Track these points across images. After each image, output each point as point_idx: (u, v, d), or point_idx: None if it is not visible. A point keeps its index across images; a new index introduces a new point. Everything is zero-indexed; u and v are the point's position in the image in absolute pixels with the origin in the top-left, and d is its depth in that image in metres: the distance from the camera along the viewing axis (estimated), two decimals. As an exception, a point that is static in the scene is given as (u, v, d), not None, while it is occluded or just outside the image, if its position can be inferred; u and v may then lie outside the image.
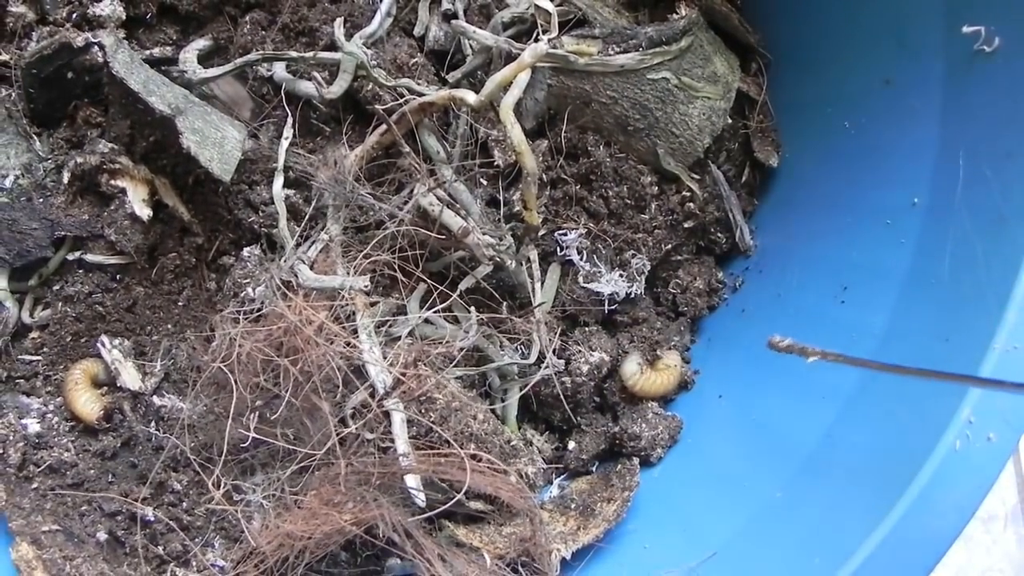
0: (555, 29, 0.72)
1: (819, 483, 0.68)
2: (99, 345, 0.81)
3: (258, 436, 0.69)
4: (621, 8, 0.83)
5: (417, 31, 0.81)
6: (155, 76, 0.76)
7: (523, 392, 0.76)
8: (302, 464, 0.70)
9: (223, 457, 0.73)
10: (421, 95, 0.76)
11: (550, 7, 0.73)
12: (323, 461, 0.70)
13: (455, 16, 0.80)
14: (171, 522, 0.76)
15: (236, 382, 0.67)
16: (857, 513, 0.63)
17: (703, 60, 0.79)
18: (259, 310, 0.75)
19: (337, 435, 0.70)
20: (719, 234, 0.85)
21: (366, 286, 0.69)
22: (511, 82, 0.72)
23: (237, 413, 0.73)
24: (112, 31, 0.77)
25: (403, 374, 0.72)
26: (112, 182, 0.79)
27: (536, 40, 0.76)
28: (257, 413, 0.71)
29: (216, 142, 0.75)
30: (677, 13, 0.80)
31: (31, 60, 0.79)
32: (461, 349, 0.76)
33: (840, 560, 0.61)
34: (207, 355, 0.74)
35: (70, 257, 0.82)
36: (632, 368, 0.80)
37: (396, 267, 0.74)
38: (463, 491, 0.66)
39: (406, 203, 0.75)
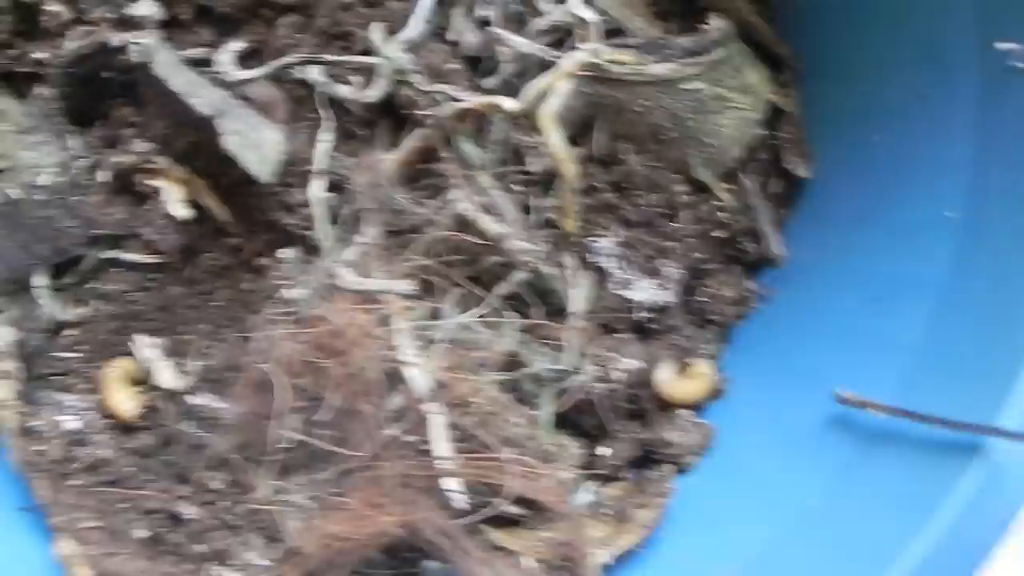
0: (595, 38, 0.73)
1: (858, 491, 0.69)
2: (134, 344, 0.82)
3: (302, 437, 0.70)
4: (652, 19, 0.84)
5: (450, 36, 0.82)
6: (195, 77, 0.77)
7: (562, 400, 0.77)
8: (345, 466, 0.71)
9: (263, 457, 0.74)
10: (458, 101, 0.77)
11: (590, 16, 0.73)
12: (366, 463, 0.71)
13: (489, 23, 0.81)
14: (211, 520, 0.77)
15: (283, 383, 0.68)
16: (899, 519, 0.64)
17: (735, 71, 0.80)
18: (298, 312, 0.76)
19: (381, 438, 0.71)
20: (748, 244, 0.86)
21: (411, 290, 0.70)
22: (550, 90, 0.73)
23: (278, 414, 0.73)
24: (153, 31, 0.77)
25: (444, 378, 0.72)
26: (149, 181, 0.80)
27: (574, 48, 0.77)
28: (299, 414, 0.71)
29: (256, 144, 0.75)
30: (709, 24, 0.80)
31: (68, 59, 0.80)
32: (498, 354, 0.77)
33: (882, 567, 0.62)
34: (249, 355, 0.75)
35: (106, 256, 0.82)
36: (665, 375, 0.81)
37: (436, 272, 0.75)
38: (508, 494, 0.67)
39: (444, 208, 0.76)
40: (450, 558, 0.72)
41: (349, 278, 0.73)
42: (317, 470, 0.75)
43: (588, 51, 0.72)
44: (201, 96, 0.74)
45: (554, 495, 0.71)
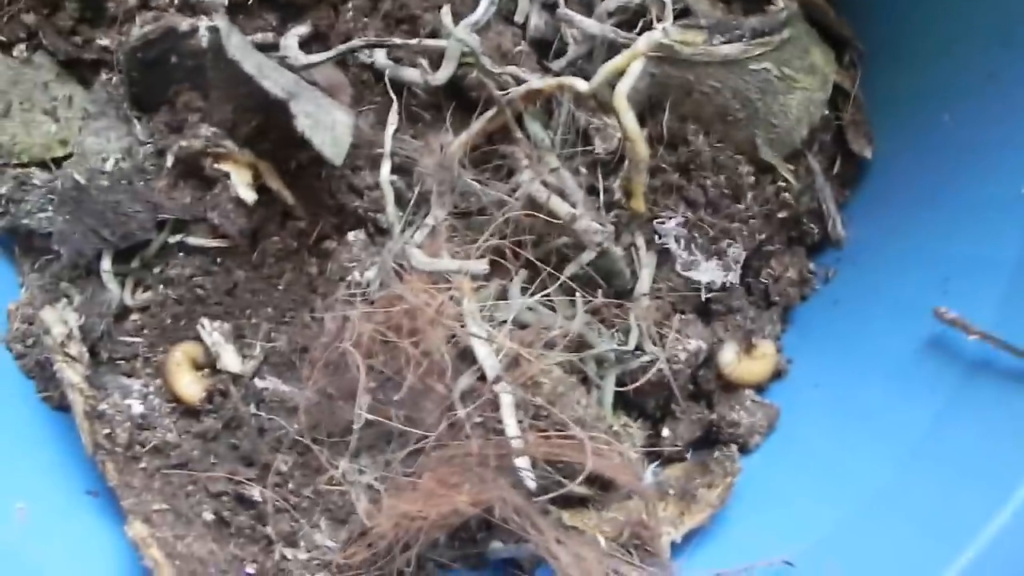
0: (670, 18, 0.73)
1: (931, 469, 0.69)
2: (199, 327, 0.82)
3: (375, 417, 0.70)
4: (716, 1, 0.84)
5: (518, 18, 0.82)
6: (267, 61, 0.77)
7: (638, 383, 0.77)
8: (416, 446, 0.71)
9: (333, 439, 0.74)
10: (526, 82, 0.77)
11: (665, -4, 0.74)
12: (438, 443, 0.71)
13: (556, 5, 0.81)
14: (278, 502, 0.77)
15: (358, 364, 0.68)
16: (974, 497, 0.64)
17: (802, 51, 0.80)
18: (368, 293, 0.76)
19: (452, 417, 0.71)
20: (811, 225, 0.86)
21: (485, 270, 0.70)
22: (623, 70, 0.73)
23: (349, 395, 0.74)
24: (223, 15, 0.78)
25: (514, 358, 0.73)
26: (216, 165, 0.80)
27: (645, 29, 0.77)
28: (372, 394, 0.72)
29: (328, 126, 0.75)
30: (775, 5, 0.80)
31: (136, 44, 0.80)
32: (566, 335, 0.77)
33: (958, 545, 0.62)
34: (319, 337, 0.75)
35: (171, 240, 0.83)
36: (730, 356, 0.82)
37: (507, 252, 0.75)
38: (584, 473, 0.67)
39: (515, 190, 0.76)
40: (524, 537, 0.72)
41: (421, 259, 0.73)
42: (387, 450, 0.75)
43: (662, 31, 0.71)
44: (273, 79, 0.74)
45: (628, 474, 0.71)
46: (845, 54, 0.85)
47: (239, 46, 0.75)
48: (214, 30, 0.75)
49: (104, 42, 0.85)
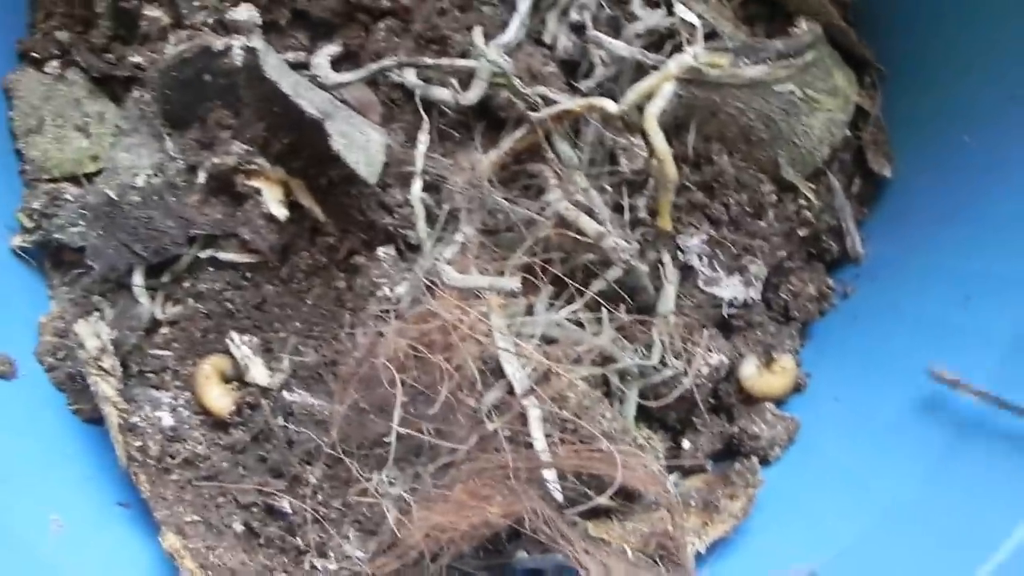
0: (701, 43, 0.75)
1: (952, 482, 0.70)
2: (228, 341, 0.83)
3: (407, 431, 0.71)
4: (739, 23, 0.85)
5: (545, 39, 0.84)
6: (302, 80, 0.78)
7: (666, 399, 0.78)
8: (446, 459, 0.73)
9: (364, 451, 0.75)
10: (555, 103, 0.79)
11: (696, 20, 0.75)
12: (468, 456, 0.72)
13: (583, 27, 0.82)
14: (308, 513, 0.78)
15: (392, 379, 0.69)
16: (996, 511, 0.65)
17: (825, 73, 0.82)
18: (399, 308, 0.77)
19: (482, 431, 0.72)
20: (830, 242, 0.87)
21: (517, 287, 0.71)
22: (653, 92, 0.75)
23: (379, 408, 0.75)
24: (259, 35, 0.79)
25: (543, 372, 0.74)
26: (248, 182, 0.81)
27: (672, 51, 0.78)
28: (403, 408, 0.73)
29: (362, 145, 0.77)
30: (796, 27, 0.82)
31: (171, 63, 0.81)
32: (589, 350, 0.78)
33: (980, 558, 0.64)
34: (350, 351, 0.76)
35: (201, 255, 0.84)
36: (750, 370, 0.83)
37: (533, 269, 0.76)
38: (614, 485, 0.69)
39: (543, 208, 0.77)
40: (551, 548, 0.73)
41: (453, 275, 0.74)
42: (417, 463, 0.76)
43: (692, 54, 0.73)
44: (309, 98, 0.76)
45: (657, 485, 0.72)
46: (865, 75, 0.86)
47: (276, 66, 0.76)
48: (251, 50, 0.76)
49: (136, 59, 0.86)
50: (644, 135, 0.79)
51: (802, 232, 0.85)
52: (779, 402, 0.86)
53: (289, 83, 0.76)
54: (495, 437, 0.74)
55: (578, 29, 0.83)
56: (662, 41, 0.81)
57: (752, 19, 0.86)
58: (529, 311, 0.80)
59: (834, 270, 0.90)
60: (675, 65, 0.72)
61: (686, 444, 0.85)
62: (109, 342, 0.81)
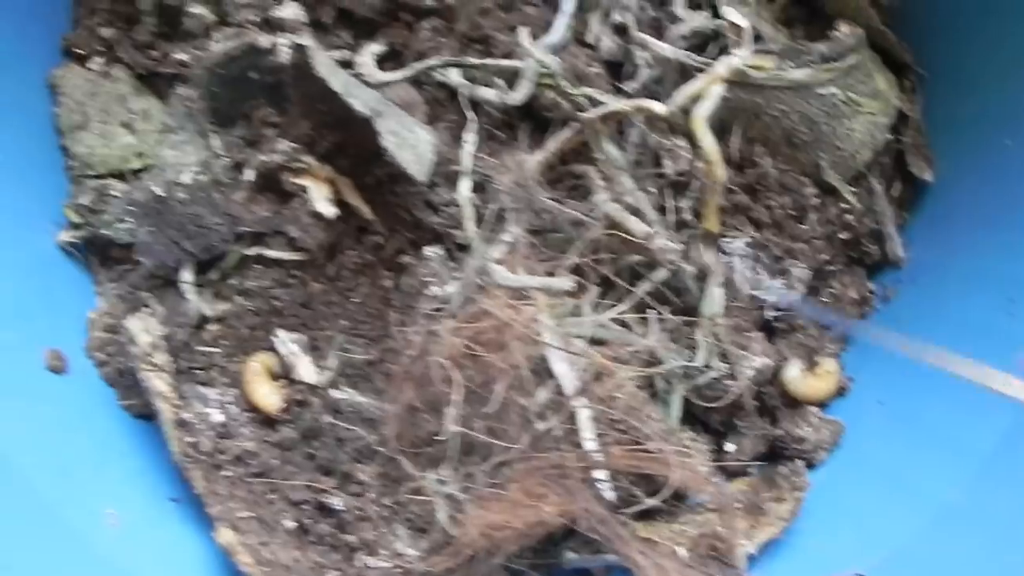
0: (750, 46, 0.75)
1: (1002, 484, 0.71)
2: (274, 338, 0.84)
3: (461, 429, 0.72)
4: (779, 26, 0.86)
5: (589, 39, 0.84)
6: (351, 79, 0.79)
7: (718, 403, 0.79)
8: (500, 458, 0.73)
9: (417, 450, 0.76)
10: (601, 103, 0.79)
11: (744, 23, 0.76)
12: (522, 455, 0.73)
13: (626, 29, 0.83)
14: (359, 511, 0.79)
15: (447, 377, 0.70)
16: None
17: (866, 76, 0.83)
18: (448, 307, 0.78)
19: (532, 431, 0.73)
20: (871, 245, 0.88)
21: (572, 287, 0.72)
22: (700, 94, 0.76)
23: (431, 407, 0.75)
24: (308, 33, 0.80)
25: (593, 373, 0.75)
26: (295, 180, 0.82)
27: (716, 53, 0.79)
28: (457, 407, 0.73)
29: (411, 144, 0.77)
30: (836, 31, 0.83)
31: (216, 60, 0.82)
32: (636, 352, 0.79)
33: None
34: (402, 350, 0.77)
35: (248, 252, 0.84)
36: (794, 373, 0.84)
37: (583, 270, 0.77)
38: (668, 485, 0.69)
39: (591, 210, 0.78)
40: (601, 548, 0.74)
41: (504, 275, 0.75)
42: (469, 462, 0.76)
43: (740, 57, 0.74)
44: (359, 97, 0.76)
45: (709, 487, 0.73)
46: (905, 79, 0.87)
47: (325, 64, 0.77)
48: (300, 48, 0.76)
49: (181, 56, 0.86)
50: (689, 137, 0.79)
51: (843, 236, 0.86)
52: (822, 405, 0.87)
53: (339, 81, 0.76)
54: (546, 437, 0.75)
55: (620, 31, 0.83)
56: (705, 43, 0.82)
57: (791, 22, 0.87)
58: (575, 312, 0.80)
59: (875, 274, 0.90)
60: (724, 67, 0.73)
61: (729, 447, 0.85)
62: (161, 338, 0.81)
